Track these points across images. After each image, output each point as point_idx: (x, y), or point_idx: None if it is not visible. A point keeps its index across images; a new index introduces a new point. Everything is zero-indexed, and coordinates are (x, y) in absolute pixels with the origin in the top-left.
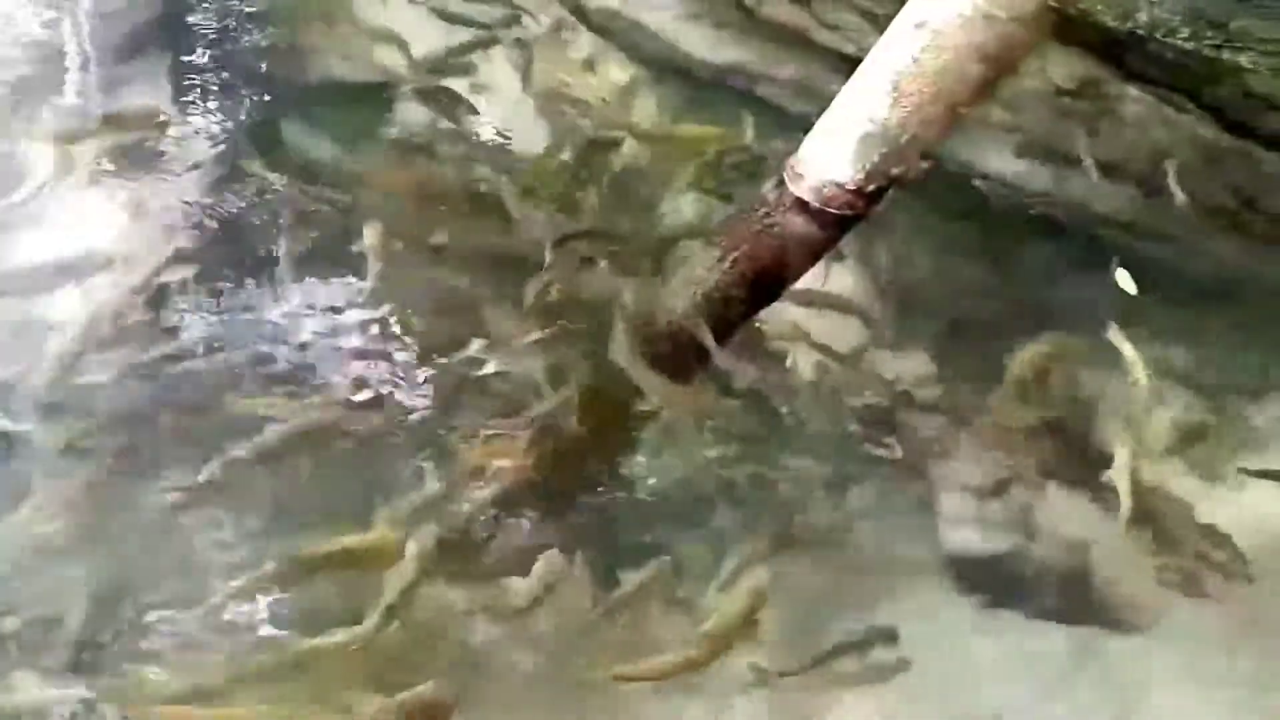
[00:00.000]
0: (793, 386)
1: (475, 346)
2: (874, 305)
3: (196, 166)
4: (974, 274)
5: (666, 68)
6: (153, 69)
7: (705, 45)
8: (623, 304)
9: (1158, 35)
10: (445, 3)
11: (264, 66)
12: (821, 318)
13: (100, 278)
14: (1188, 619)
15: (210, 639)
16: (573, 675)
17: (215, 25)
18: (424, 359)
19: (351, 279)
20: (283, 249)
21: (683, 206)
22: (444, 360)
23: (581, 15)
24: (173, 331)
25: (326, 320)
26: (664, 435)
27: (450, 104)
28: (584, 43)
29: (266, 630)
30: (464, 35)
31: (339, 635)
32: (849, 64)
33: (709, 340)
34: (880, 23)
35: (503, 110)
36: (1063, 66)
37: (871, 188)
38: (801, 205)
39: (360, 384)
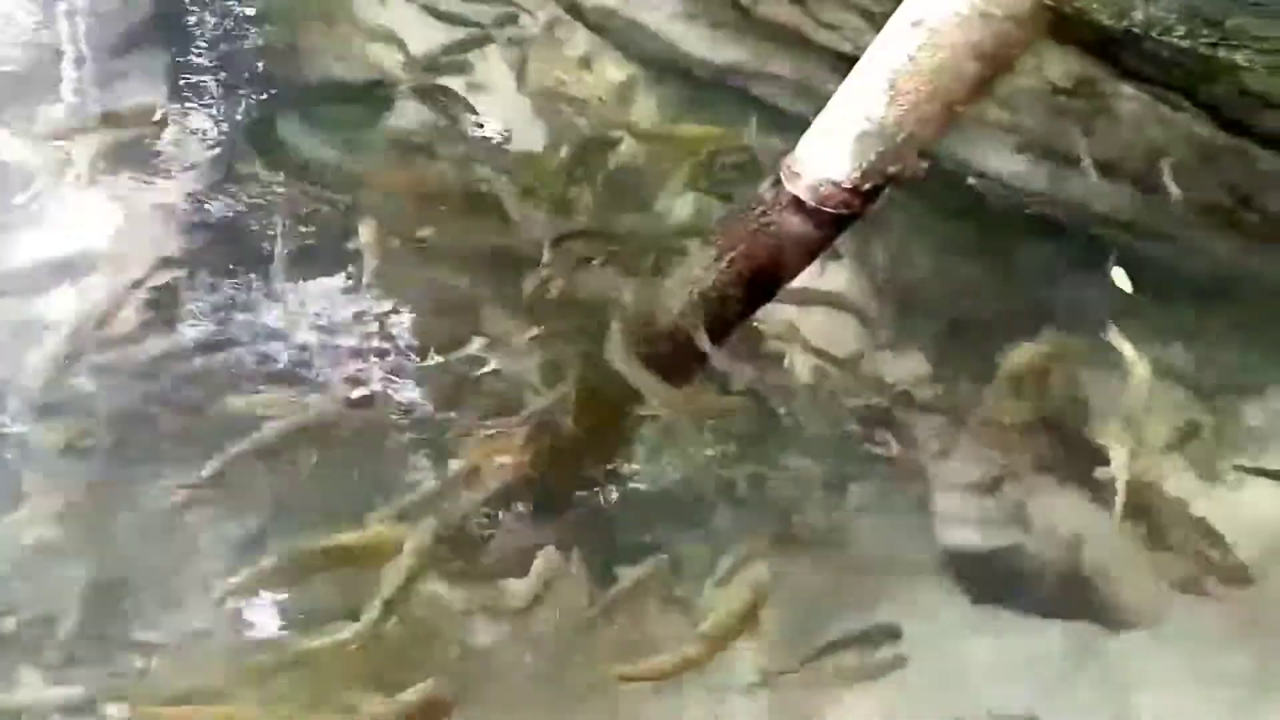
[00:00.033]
0: (790, 387)
1: (473, 345)
2: (870, 304)
3: (194, 166)
4: (971, 273)
5: (663, 67)
6: (150, 68)
7: (702, 44)
8: (619, 306)
9: (1153, 33)
10: (441, 2)
11: (261, 65)
12: (818, 317)
13: (97, 277)
14: (1187, 618)
15: (209, 637)
16: (571, 673)
17: (212, 24)
18: (421, 357)
19: (348, 277)
20: (280, 248)
21: (680, 206)
22: (441, 358)
23: (578, 14)
24: (170, 331)
25: (324, 319)
26: (662, 434)
27: (448, 103)
28: (580, 41)
29: (266, 629)
30: (461, 34)
31: (338, 633)
32: (846, 63)
33: (705, 343)
34: (877, 21)
35: (500, 109)
36: (1059, 65)
37: (868, 186)
38: (798, 204)
39: (357, 382)
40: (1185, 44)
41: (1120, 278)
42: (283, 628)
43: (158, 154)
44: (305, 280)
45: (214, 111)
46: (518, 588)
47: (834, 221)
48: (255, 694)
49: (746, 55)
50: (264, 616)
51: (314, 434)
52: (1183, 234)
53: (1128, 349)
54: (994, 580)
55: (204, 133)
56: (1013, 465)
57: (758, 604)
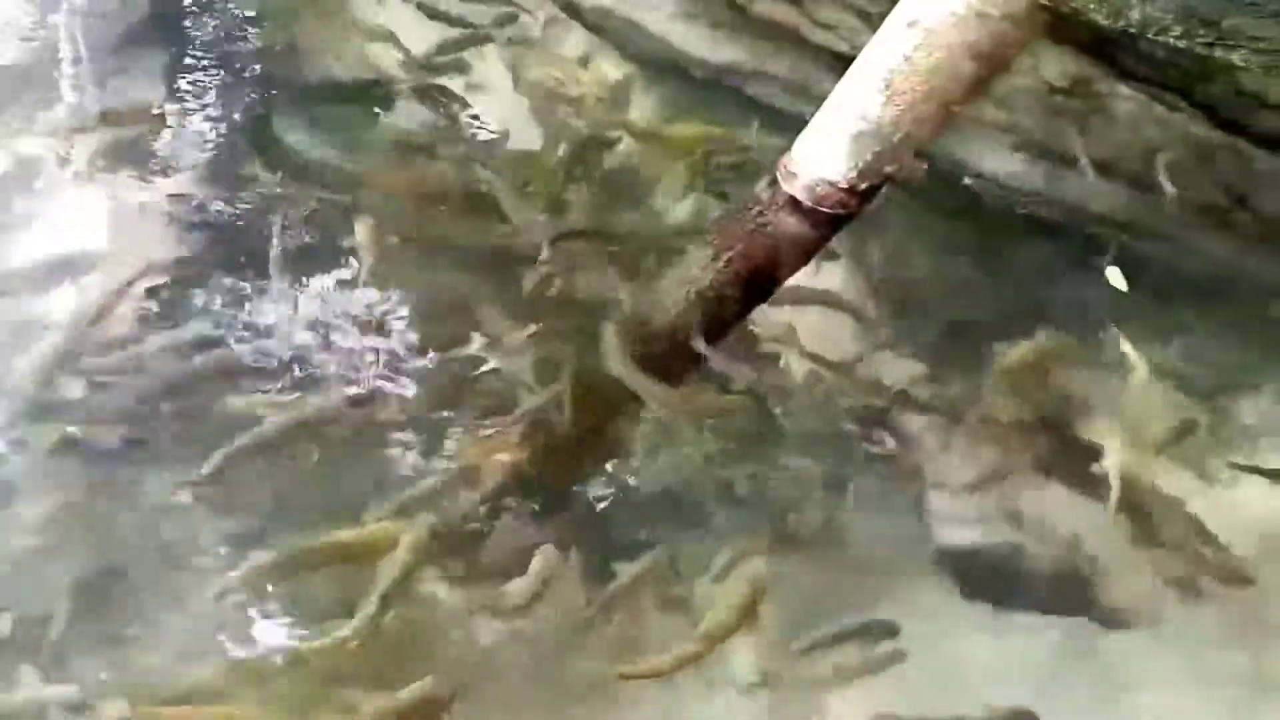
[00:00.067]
0: (787, 386)
1: (471, 344)
2: (867, 304)
3: (192, 165)
4: (967, 272)
5: (660, 66)
6: (148, 67)
7: (699, 44)
8: (614, 309)
9: (1149, 33)
10: (440, 2)
11: (260, 65)
12: (814, 317)
13: (96, 276)
14: (1184, 617)
15: (208, 636)
16: (570, 671)
17: (211, 23)
18: (419, 355)
19: (346, 276)
20: (278, 247)
21: (677, 205)
22: (439, 357)
23: (576, 13)
24: (168, 330)
25: (321, 318)
26: (659, 433)
27: (446, 103)
28: (578, 41)
29: (265, 627)
30: (458, 33)
31: (336, 631)
32: (842, 62)
33: (701, 346)
34: (873, 21)
35: (498, 109)
36: (1055, 65)
37: (864, 186)
38: (794, 204)
39: (355, 381)
40: (1181, 44)
41: (1115, 277)
42: (281, 625)
43: (156, 153)
44: (303, 279)
45: (212, 110)
46: (516, 586)
47: (830, 221)
48: (255, 694)
49: (743, 55)
50: (263, 615)
51: (313, 430)
52: (1179, 234)
53: (1128, 348)
54: (991, 579)
55: (202, 132)
56: (1010, 464)
57: (756, 600)
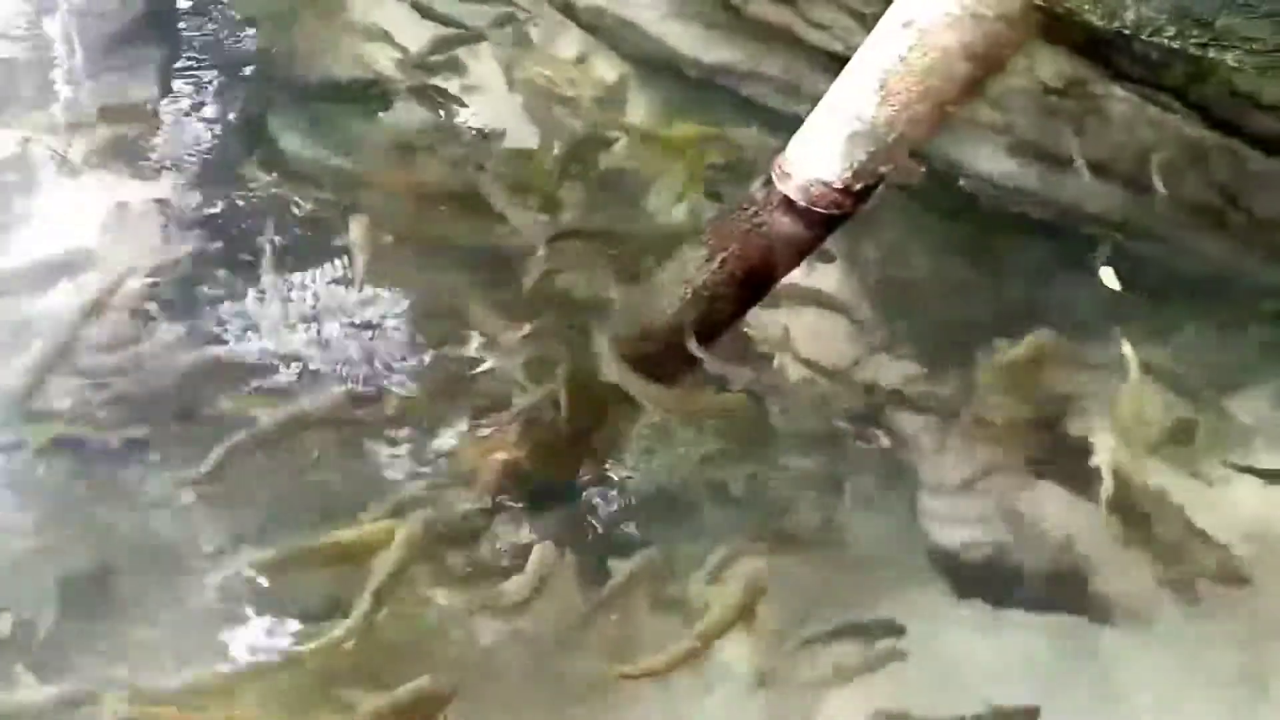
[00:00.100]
0: (783, 386)
1: (467, 343)
2: (862, 304)
3: (187, 163)
4: (962, 273)
5: (655, 66)
6: (144, 65)
7: (693, 44)
8: (609, 313)
9: (1144, 34)
10: (436, 2)
11: (255, 64)
12: (809, 318)
13: (91, 275)
14: (1182, 616)
15: (206, 635)
16: (567, 668)
17: (207, 21)
18: (415, 354)
19: (342, 275)
20: (273, 246)
21: (672, 206)
22: (435, 356)
23: (571, 13)
24: (164, 329)
25: (317, 317)
26: (655, 433)
27: (442, 102)
28: (573, 41)
29: (262, 627)
30: (450, 33)
31: (333, 630)
32: (837, 63)
33: (695, 348)
34: (868, 21)
35: (494, 108)
36: (1049, 65)
37: (859, 186)
38: (789, 204)
39: (350, 379)
40: (1175, 45)
41: (1109, 277)
42: (279, 625)
43: (152, 152)
44: (299, 278)
45: (209, 109)
46: (514, 583)
47: (825, 222)
48: (253, 693)
49: (738, 55)
50: (261, 614)
51: (310, 426)
52: (1174, 234)
53: (1128, 349)
54: (986, 578)
55: (198, 131)
56: (1005, 464)
57: (753, 599)
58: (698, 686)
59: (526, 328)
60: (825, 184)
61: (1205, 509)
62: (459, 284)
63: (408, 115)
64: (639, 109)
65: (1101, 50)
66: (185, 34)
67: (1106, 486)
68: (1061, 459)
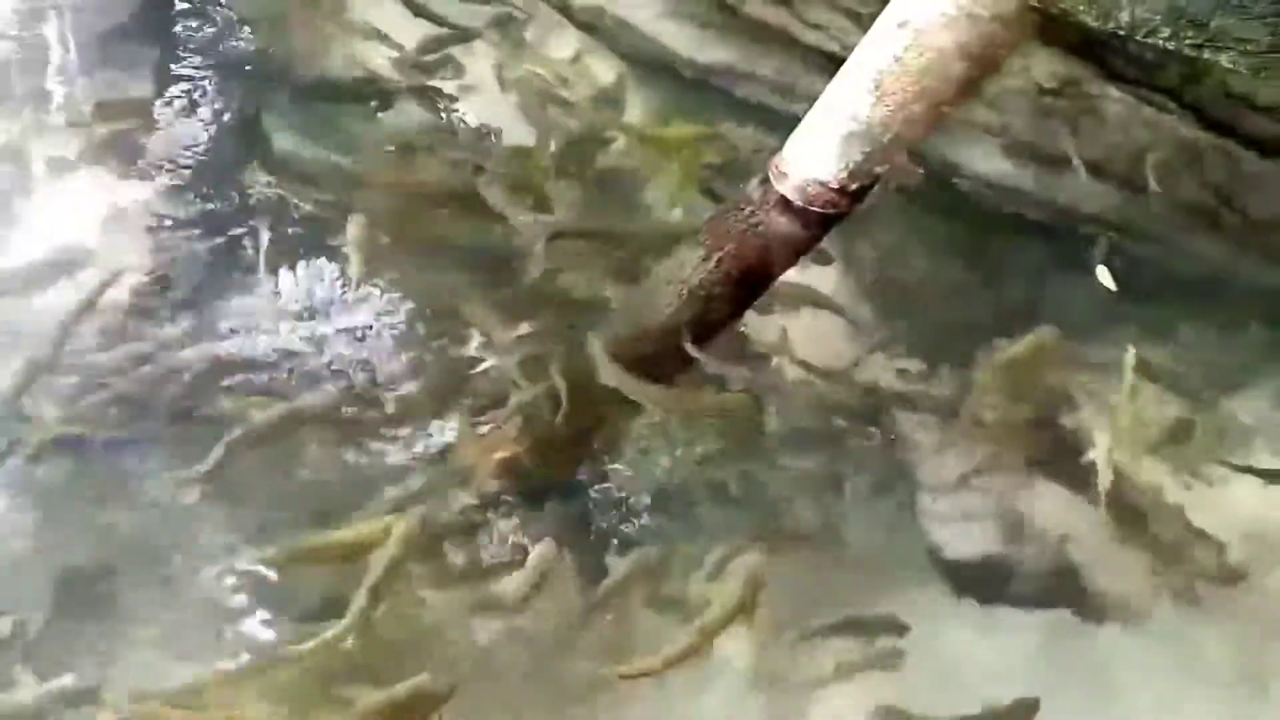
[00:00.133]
0: (782, 386)
1: (465, 341)
2: (859, 304)
3: (183, 162)
4: (959, 273)
5: (652, 66)
6: (139, 64)
7: (690, 44)
8: (604, 315)
9: (1138, 35)
10: (432, 2)
11: (251, 63)
12: (806, 319)
13: (87, 274)
14: (1180, 615)
15: (206, 634)
16: (566, 666)
17: (202, 20)
18: (413, 353)
19: (338, 274)
20: (270, 245)
21: (668, 205)
22: (433, 354)
23: (567, 13)
24: (160, 328)
25: (314, 316)
26: (654, 432)
27: (439, 102)
28: (570, 40)
29: (261, 625)
30: (445, 32)
31: (330, 628)
32: (833, 63)
33: (691, 348)
34: (863, 22)
35: (491, 108)
36: (1045, 66)
37: (855, 186)
38: (785, 204)
39: (349, 378)
40: (1170, 46)
41: (1105, 277)
42: (278, 623)
43: (148, 150)
44: (294, 277)
45: (204, 108)
46: (513, 580)
47: (821, 221)
48: (252, 691)
49: (734, 55)
50: (259, 612)
51: (307, 423)
52: (1169, 234)
53: (1128, 351)
54: (985, 576)
55: (194, 129)
56: (1002, 463)
57: (752, 597)
58: (696, 684)
59: (524, 327)
60: (822, 184)
61: (1203, 508)
62: (457, 283)
63: (406, 115)
64: (635, 109)
65: (1097, 51)
66: (182, 31)
67: (1103, 481)
68: (1060, 458)
